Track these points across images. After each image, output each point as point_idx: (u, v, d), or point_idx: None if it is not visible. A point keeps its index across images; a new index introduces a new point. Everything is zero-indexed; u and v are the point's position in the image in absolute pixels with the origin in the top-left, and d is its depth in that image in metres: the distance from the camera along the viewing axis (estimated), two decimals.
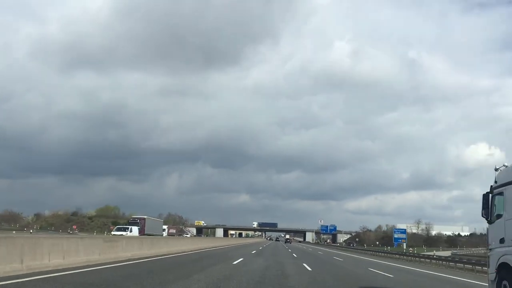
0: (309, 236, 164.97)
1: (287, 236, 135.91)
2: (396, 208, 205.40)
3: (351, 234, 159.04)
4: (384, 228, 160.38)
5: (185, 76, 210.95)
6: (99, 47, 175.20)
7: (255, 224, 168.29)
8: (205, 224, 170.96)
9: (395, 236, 71.52)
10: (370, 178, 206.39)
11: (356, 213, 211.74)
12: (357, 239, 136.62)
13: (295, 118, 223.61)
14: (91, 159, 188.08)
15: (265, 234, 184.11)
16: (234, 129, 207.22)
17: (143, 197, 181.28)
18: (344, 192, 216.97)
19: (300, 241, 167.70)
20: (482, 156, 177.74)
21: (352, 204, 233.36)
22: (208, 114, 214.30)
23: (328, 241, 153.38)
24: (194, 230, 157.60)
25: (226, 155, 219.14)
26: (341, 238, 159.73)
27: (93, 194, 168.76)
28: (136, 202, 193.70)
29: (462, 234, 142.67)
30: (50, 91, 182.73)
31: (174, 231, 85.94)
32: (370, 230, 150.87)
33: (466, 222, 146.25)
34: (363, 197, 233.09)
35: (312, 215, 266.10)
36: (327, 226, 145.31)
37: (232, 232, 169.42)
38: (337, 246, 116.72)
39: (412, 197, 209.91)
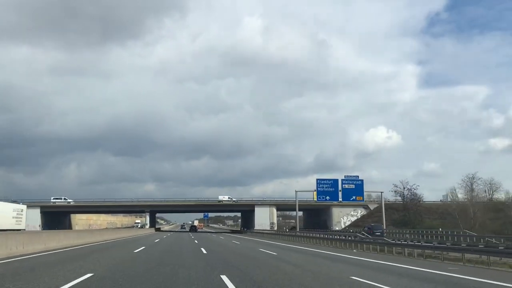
0: (264, 216, 67.60)
1: (196, 223, 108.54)
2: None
3: (366, 208, 65.78)
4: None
5: (80, 51, 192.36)
6: None
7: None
8: None
9: None
10: (276, 163, 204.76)
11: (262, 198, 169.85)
12: None
13: (203, 102, 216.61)
14: None
15: (148, 218, 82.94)
16: (138, 114, 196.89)
17: (40, 190, 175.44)
18: (251, 178, 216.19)
19: (235, 231, 74.75)
20: (381, 139, 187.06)
21: (258, 189, 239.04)
22: (109, 96, 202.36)
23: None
24: None
25: (129, 142, 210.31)
26: (342, 217, 65.41)
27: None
28: (32, 196, 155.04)
29: None
30: None
31: None
32: None
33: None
34: (270, 182, 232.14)
35: None
36: (334, 183, 51.08)
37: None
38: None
39: (315, 180, 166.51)
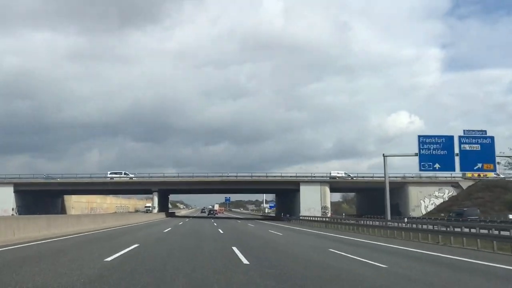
0: (314, 197, 47.90)
1: (216, 207, 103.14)
2: None
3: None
4: None
5: (100, 36, 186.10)
6: None
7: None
8: None
9: None
10: (296, 148, 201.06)
11: None
12: None
13: (222, 87, 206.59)
14: None
15: (156, 200, 64.59)
16: (157, 99, 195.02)
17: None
18: (270, 163, 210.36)
19: (269, 217, 60.81)
20: (403, 124, 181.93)
21: (277, 174, 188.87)
22: (128, 81, 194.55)
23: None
24: None
25: (149, 127, 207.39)
26: (422, 199, 44.71)
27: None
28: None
29: None
30: None
31: None
32: None
33: None
34: (289, 167, 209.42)
35: None
36: (447, 142, 32.32)
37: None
38: None
39: (334, 165, 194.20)
